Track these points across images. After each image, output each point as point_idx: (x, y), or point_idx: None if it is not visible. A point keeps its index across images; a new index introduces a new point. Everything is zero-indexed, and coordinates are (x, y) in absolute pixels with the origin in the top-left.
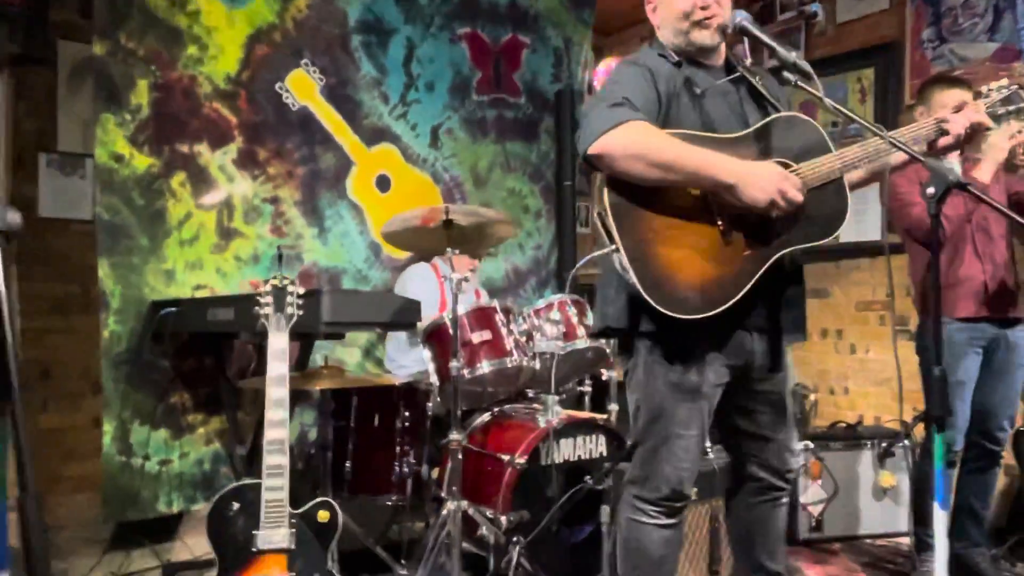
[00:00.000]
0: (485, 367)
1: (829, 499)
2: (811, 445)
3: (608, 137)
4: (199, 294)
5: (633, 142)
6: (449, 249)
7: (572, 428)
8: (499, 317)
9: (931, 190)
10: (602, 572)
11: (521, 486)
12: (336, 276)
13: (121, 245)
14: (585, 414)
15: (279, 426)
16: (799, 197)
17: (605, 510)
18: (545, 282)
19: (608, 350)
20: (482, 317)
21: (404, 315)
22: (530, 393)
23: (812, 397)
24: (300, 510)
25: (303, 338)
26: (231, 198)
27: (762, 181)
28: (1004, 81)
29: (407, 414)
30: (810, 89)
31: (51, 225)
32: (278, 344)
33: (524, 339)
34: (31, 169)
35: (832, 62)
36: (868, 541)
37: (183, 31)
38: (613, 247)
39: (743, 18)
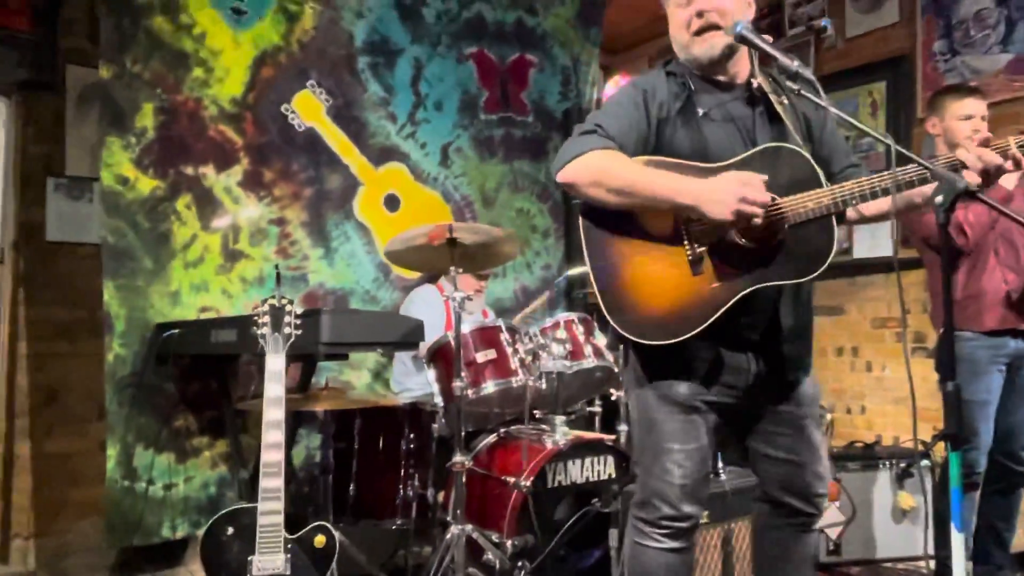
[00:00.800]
0: (490, 387)
1: (847, 522)
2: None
3: (572, 165)
4: (204, 316)
5: (592, 169)
6: (452, 268)
7: (580, 449)
8: (504, 336)
9: (939, 199)
10: None
11: (527, 509)
12: (343, 297)
13: (126, 268)
14: (593, 435)
15: (275, 448)
16: (763, 197)
17: (614, 534)
18: (555, 302)
19: (616, 369)
20: (487, 336)
21: (406, 335)
22: (538, 414)
23: (828, 416)
24: (296, 535)
25: (305, 359)
26: (236, 220)
27: (719, 195)
28: None
29: (412, 436)
30: (813, 98)
31: (58, 249)
32: (274, 365)
33: (530, 359)
34: (39, 193)
35: (842, 77)
36: (887, 565)
37: (189, 54)
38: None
39: (743, 26)
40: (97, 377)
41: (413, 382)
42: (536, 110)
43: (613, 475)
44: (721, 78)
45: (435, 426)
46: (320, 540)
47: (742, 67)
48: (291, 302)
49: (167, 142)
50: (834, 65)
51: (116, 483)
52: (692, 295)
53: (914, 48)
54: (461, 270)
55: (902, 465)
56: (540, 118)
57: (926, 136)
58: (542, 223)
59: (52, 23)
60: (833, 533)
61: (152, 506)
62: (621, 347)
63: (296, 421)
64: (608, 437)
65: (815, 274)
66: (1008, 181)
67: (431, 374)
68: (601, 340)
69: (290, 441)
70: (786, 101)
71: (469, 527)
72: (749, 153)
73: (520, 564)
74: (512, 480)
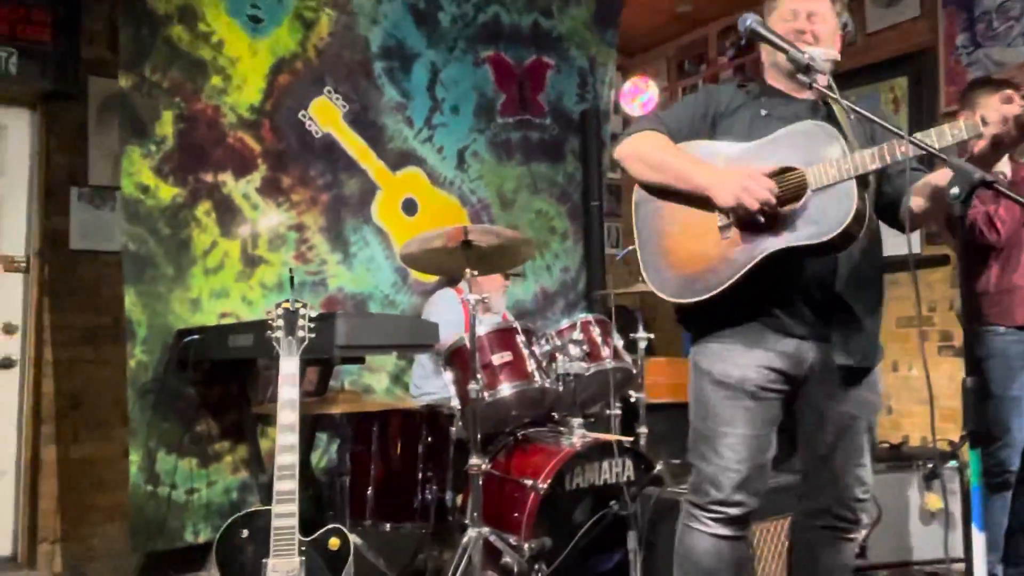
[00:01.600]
0: (506, 390)
1: (874, 524)
2: None
3: (623, 143)
4: (224, 322)
5: (635, 148)
6: (468, 271)
7: (597, 452)
8: (520, 338)
9: (955, 190)
10: None
11: (545, 512)
12: (362, 301)
13: (147, 275)
14: (611, 437)
15: (289, 451)
16: (765, 195)
17: (632, 536)
18: (574, 304)
19: (635, 371)
20: (503, 338)
21: (421, 338)
22: (556, 416)
23: None
24: (310, 537)
25: (321, 363)
26: (255, 226)
27: (727, 184)
28: None
29: (429, 439)
30: (828, 93)
31: (82, 257)
32: (288, 368)
33: (547, 361)
34: (62, 203)
35: (863, 72)
36: (916, 568)
37: (207, 62)
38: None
39: (753, 20)
40: (121, 383)
41: (432, 385)
42: (553, 112)
43: (631, 477)
44: (796, 93)
45: (453, 429)
46: (334, 542)
47: (820, 84)
48: (305, 305)
49: (186, 150)
50: (855, 61)
51: (139, 488)
52: (718, 258)
53: (936, 42)
54: (476, 272)
55: (930, 466)
56: (557, 120)
57: None
58: (561, 225)
59: (74, 34)
60: (860, 536)
61: (175, 510)
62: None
63: (314, 424)
64: (626, 439)
65: (834, 232)
66: (1003, 167)
67: (448, 376)
68: (619, 341)
69: (309, 445)
70: (852, 117)
71: (486, 530)
72: (782, 131)
73: (537, 567)
74: (529, 483)
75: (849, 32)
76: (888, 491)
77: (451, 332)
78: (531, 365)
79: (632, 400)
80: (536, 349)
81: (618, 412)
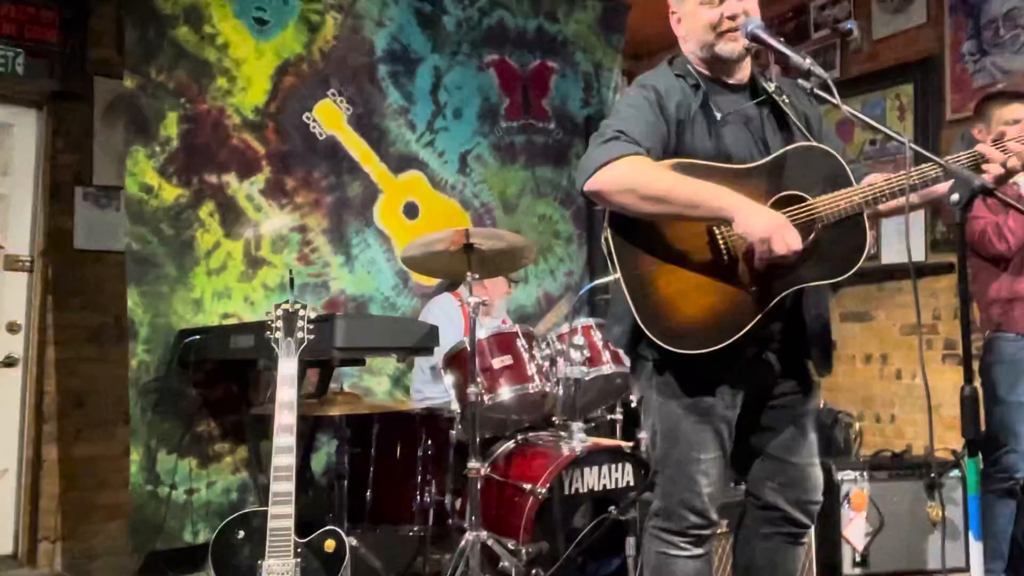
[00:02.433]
0: (506, 393)
1: (875, 532)
2: (855, 475)
3: (601, 174)
4: (227, 323)
5: (624, 177)
6: (469, 274)
7: (597, 456)
8: (520, 342)
9: (955, 197)
10: None
11: (544, 516)
12: (363, 304)
13: (150, 274)
14: (611, 441)
15: (286, 452)
16: (798, 244)
17: (631, 542)
18: (578, 309)
19: None
20: (503, 342)
21: (421, 340)
22: (556, 420)
23: (857, 425)
24: (306, 539)
25: (321, 364)
26: (259, 227)
27: (760, 215)
28: None
29: (429, 442)
30: (827, 97)
31: (86, 257)
32: (286, 369)
33: (548, 364)
34: (67, 202)
35: (869, 79)
36: None
37: (212, 64)
38: (615, 276)
39: (755, 25)
40: (123, 382)
41: (433, 389)
42: (558, 116)
43: (631, 482)
44: (729, 80)
45: (453, 432)
46: (330, 544)
47: (747, 68)
48: (304, 307)
49: (191, 150)
50: (861, 67)
51: (140, 487)
52: (729, 301)
53: (942, 49)
54: (478, 276)
55: (932, 474)
56: (562, 124)
57: (956, 139)
58: (565, 229)
59: (81, 35)
60: (860, 544)
61: (175, 510)
62: (626, 351)
63: (314, 426)
64: (626, 444)
65: (850, 272)
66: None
67: (448, 379)
68: None
69: (309, 447)
70: (787, 100)
71: (485, 534)
72: (780, 153)
73: (535, 572)
74: (528, 487)
75: (856, 38)
76: (890, 500)
77: (447, 341)
78: (531, 369)
79: (632, 405)
80: (537, 353)
81: (619, 417)
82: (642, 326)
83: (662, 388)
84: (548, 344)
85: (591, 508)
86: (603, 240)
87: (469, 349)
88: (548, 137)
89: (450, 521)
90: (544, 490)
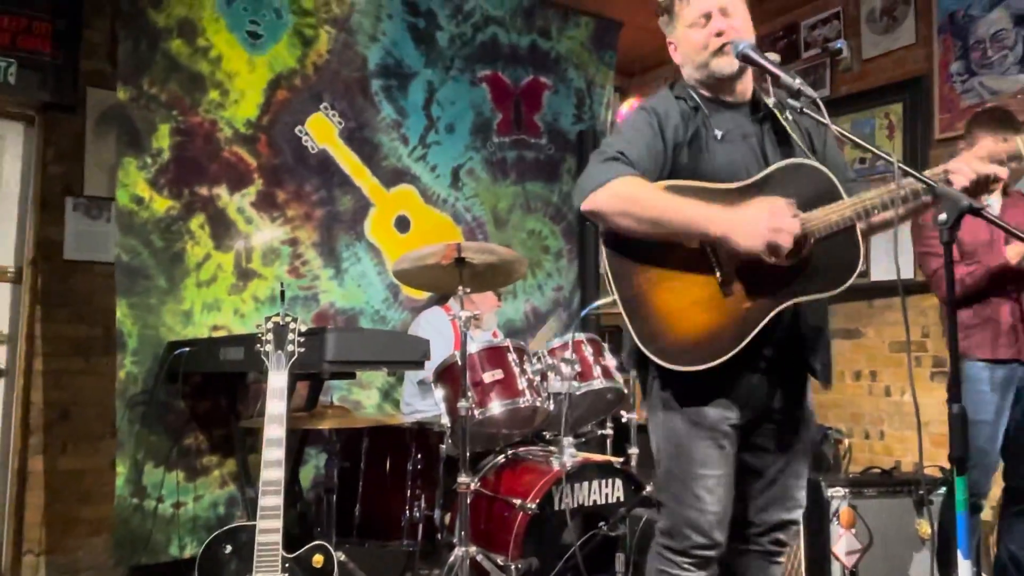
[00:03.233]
0: (496, 408)
1: (864, 549)
2: (844, 492)
3: (598, 194)
4: (216, 335)
5: (621, 198)
6: (461, 288)
7: (588, 472)
8: (511, 356)
9: (943, 216)
10: None
11: (533, 532)
12: (353, 317)
13: (139, 286)
14: (601, 457)
15: (275, 466)
16: (795, 226)
17: (621, 558)
18: (567, 324)
19: (627, 391)
20: (494, 356)
21: (412, 354)
22: (547, 435)
23: (846, 442)
24: (294, 554)
25: (311, 377)
26: (249, 240)
27: (750, 227)
28: None
29: (419, 456)
30: (817, 116)
31: (75, 267)
32: (276, 382)
33: (538, 379)
34: (58, 213)
35: (859, 98)
36: None
37: (205, 77)
38: (613, 296)
39: (746, 45)
40: (111, 394)
41: (423, 403)
42: (550, 132)
43: (621, 498)
44: (729, 98)
45: (443, 447)
46: (318, 559)
47: (748, 84)
48: (295, 320)
49: (182, 163)
50: (851, 87)
51: (125, 500)
52: (725, 317)
53: (931, 69)
54: (469, 290)
55: (920, 492)
56: (554, 140)
57: (945, 158)
58: (555, 244)
59: (74, 46)
60: (849, 561)
61: (161, 524)
62: (635, 371)
63: (303, 440)
64: (616, 459)
65: (844, 286)
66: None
67: (439, 393)
68: (611, 361)
69: (298, 460)
70: (789, 117)
71: (474, 549)
72: (769, 171)
73: None
74: (518, 502)
75: (845, 58)
76: (879, 517)
77: (437, 355)
78: (522, 383)
79: (623, 420)
80: (527, 367)
81: (609, 432)
82: (639, 344)
83: (667, 403)
84: (539, 359)
85: (581, 524)
86: (602, 262)
87: (460, 363)
88: (540, 153)
89: (439, 536)
90: (534, 505)
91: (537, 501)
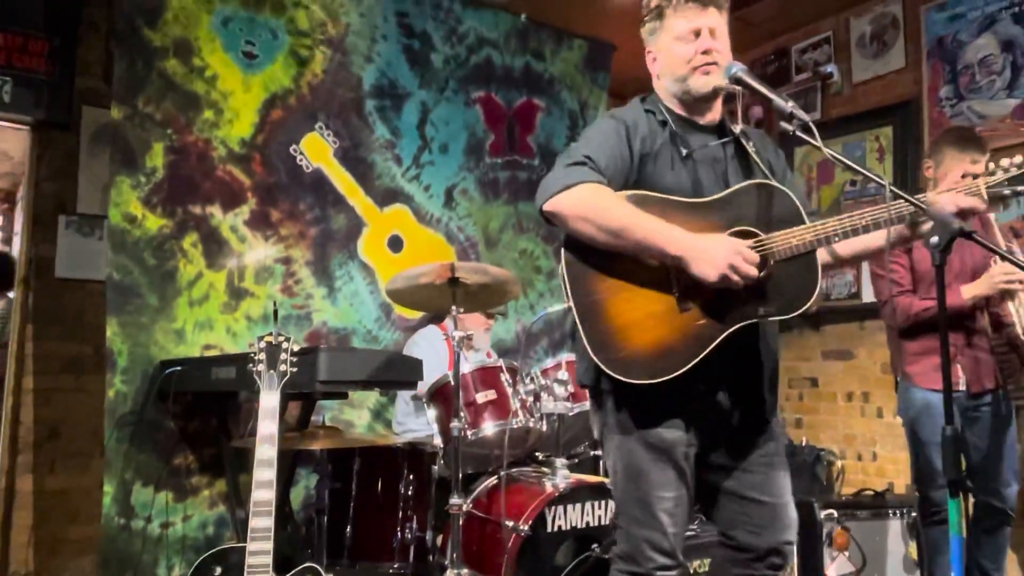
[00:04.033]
0: (489, 428)
1: (857, 571)
2: (836, 514)
3: (561, 196)
4: (208, 354)
5: (583, 204)
6: (454, 307)
7: (580, 493)
8: (504, 377)
9: (935, 239)
10: None
11: (526, 554)
12: (346, 336)
13: (131, 304)
14: (594, 478)
15: (266, 487)
16: (752, 272)
17: None
18: (559, 344)
19: None
20: (487, 377)
21: (405, 374)
22: (540, 456)
23: (838, 464)
24: None
25: (303, 397)
26: (242, 258)
27: (710, 255)
28: (1019, 159)
29: (411, 477)
30: (808, 139)
31: (67, 285)
32: (268, 402)
33: (531, 400)
34: (50, 230)
35: (849, 122)
36: None
37: (200, 96)
38: (568, 304)
39: (738, 68)
40: (100, 413)
41: (415, 422)
42: (542, 153)
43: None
44: (699, 119)
45: (435, 467)
46: None
47: (717, 110)
48: (288, 339)
49: (176, 181)
50: (841, 110)
51: (113, 520)
52: (679, 332)
53: (920, 93)
54: (462, 309)
55: (913, 514)
56: (546, 161)
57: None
58: (546, 264)
59: (69, 64)
60: None
61: (149, 545)
62: (589, 388)
63: (294, 460)
64: (609, 481)
65: (801, 310)
66: (968, 291)
67: (431, 413)
68: None
69: (289, 481)
70: (752, 147)
71: (466, 571)
72: (734, 189)
73: None
74: (511, 524)
75: (836, 81)
76: (871, 538)
77: (433, 373)
78: (515, 404)
79: None
80: (520, 388)
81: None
82: (591, 353)
83: (622, 425)
84: (532, 379)
85: (574, 546)
86: (560, 266)
87: (453, 383)
88: (532, 173)
89: (431, 558)
90: (527, 527)
91: (530, 523)
